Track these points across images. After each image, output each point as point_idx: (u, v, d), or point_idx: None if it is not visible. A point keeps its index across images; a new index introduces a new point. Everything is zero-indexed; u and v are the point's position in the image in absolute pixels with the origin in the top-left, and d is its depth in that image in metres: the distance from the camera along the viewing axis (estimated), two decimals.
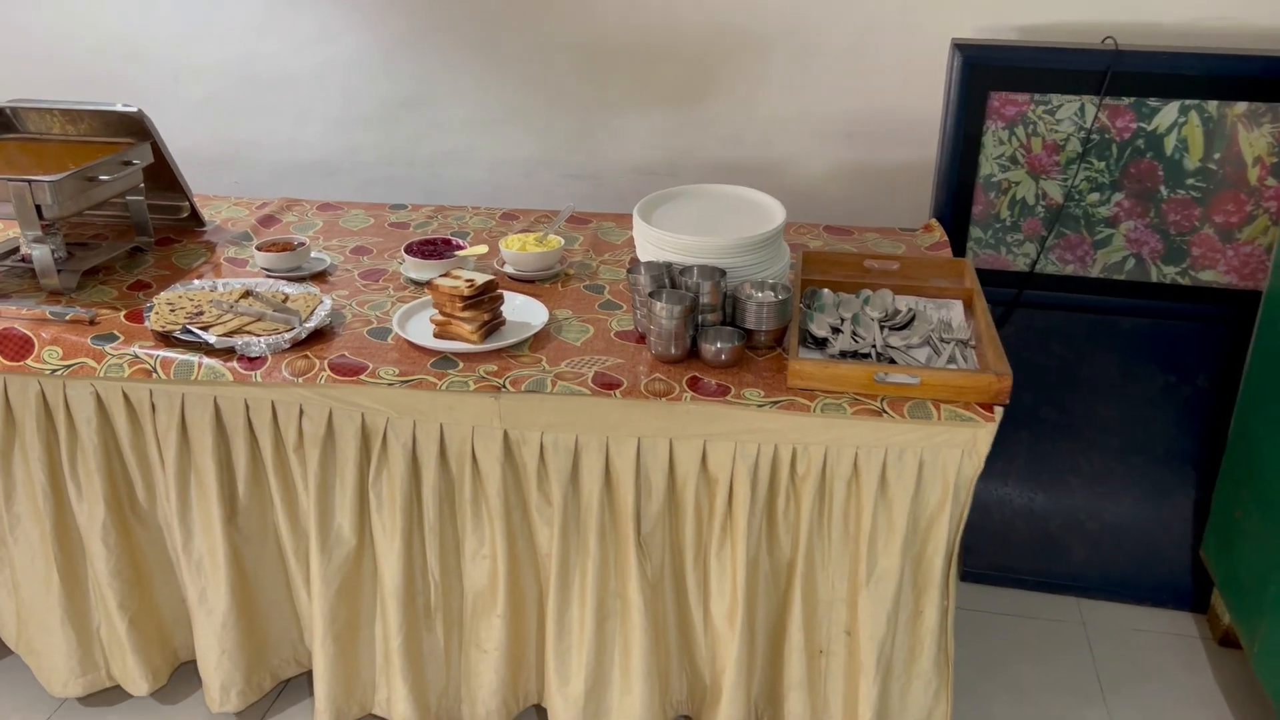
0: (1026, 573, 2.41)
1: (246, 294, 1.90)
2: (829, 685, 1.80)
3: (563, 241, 2.08)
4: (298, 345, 1.77)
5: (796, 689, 1.80)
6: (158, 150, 2.13)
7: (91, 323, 1.84)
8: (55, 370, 1.77)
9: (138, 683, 2.01)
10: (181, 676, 2.11)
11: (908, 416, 1.58)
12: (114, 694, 2.11)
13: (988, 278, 2.25)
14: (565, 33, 2.52)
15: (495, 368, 1.70)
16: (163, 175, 2.19)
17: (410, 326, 1.81)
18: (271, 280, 1.98)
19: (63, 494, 1.89)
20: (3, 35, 2.79)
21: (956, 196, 2.26)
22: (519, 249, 2.02)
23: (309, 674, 2.05)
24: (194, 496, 1.85)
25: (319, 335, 1.80)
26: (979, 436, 1.58)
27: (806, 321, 1.78)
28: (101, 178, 1.97)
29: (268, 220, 2.36)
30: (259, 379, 1.71)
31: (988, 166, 2.23)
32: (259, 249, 2.06)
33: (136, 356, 1.76)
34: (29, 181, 1.85)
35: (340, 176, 2.79)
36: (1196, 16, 2.19)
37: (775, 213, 1.93)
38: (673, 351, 1.69)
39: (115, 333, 1.81)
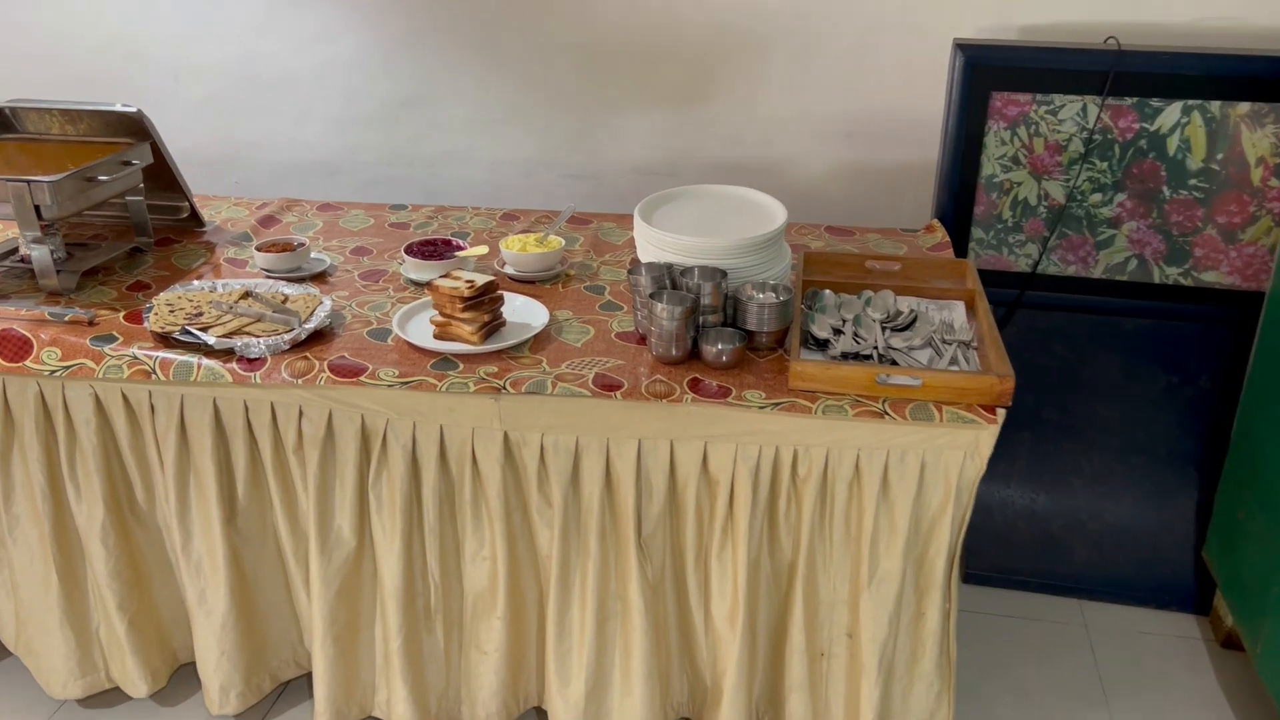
0: (1028, 574, 2.41)
1: (246, 295, 1.90)
2: (830, 687, 1.79)
3: (563, 242, 2.07)
4: (297, 346, 1.76)
5: (798, 691, 1.79)
6: (157, 150, 2.12)
7: (90, 323, 1.84)
8: (54, 371, 1.77)
9: (137, 684, 2.00)
10: (181, 678, 2.11)
11: (909, 418, 1.57)
12: (113, 695, 2.10)
13: (989, 278, 2.25)
14: (565, 33, 2.51)
15: (495, 369, 1.69)
16: (162, 175, 2.19)
17: (410, 328, 1.80)
18: (271, 281, 1.97)
19: (61, 495, 1.89)
20: (2, 35, 2.79)
21: (958, 197, 2.25)
22: (519, 250, 2.02)
23: (309, 676, 2.04)
24: (193, 498, 1.84)
25: (319, 336, 1.80)
26: (981, 438, 1.58)
27: (808, 323, 1.78)
28: (101, 178, 1.97)
29: (267, 221, 2.35)
30: (258, 380, 1.71)
31: (989, 167, 2.22)
32: (259, 249, 2.06)
33: (135, 358, 1.75)
34: (28, 182, 1.85)
35: (340, 176, 2.79)
36: (1199, 16, 2.18)
37: (776, 213, 1.92)
38: (674, 353, 1.69)
39: (114, 334, 1.80)
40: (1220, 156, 2.12)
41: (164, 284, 2.01)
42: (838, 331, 1.75)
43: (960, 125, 2.19)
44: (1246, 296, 2.20)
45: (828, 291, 1.89)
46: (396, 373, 1.69)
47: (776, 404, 1.61)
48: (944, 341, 1.73)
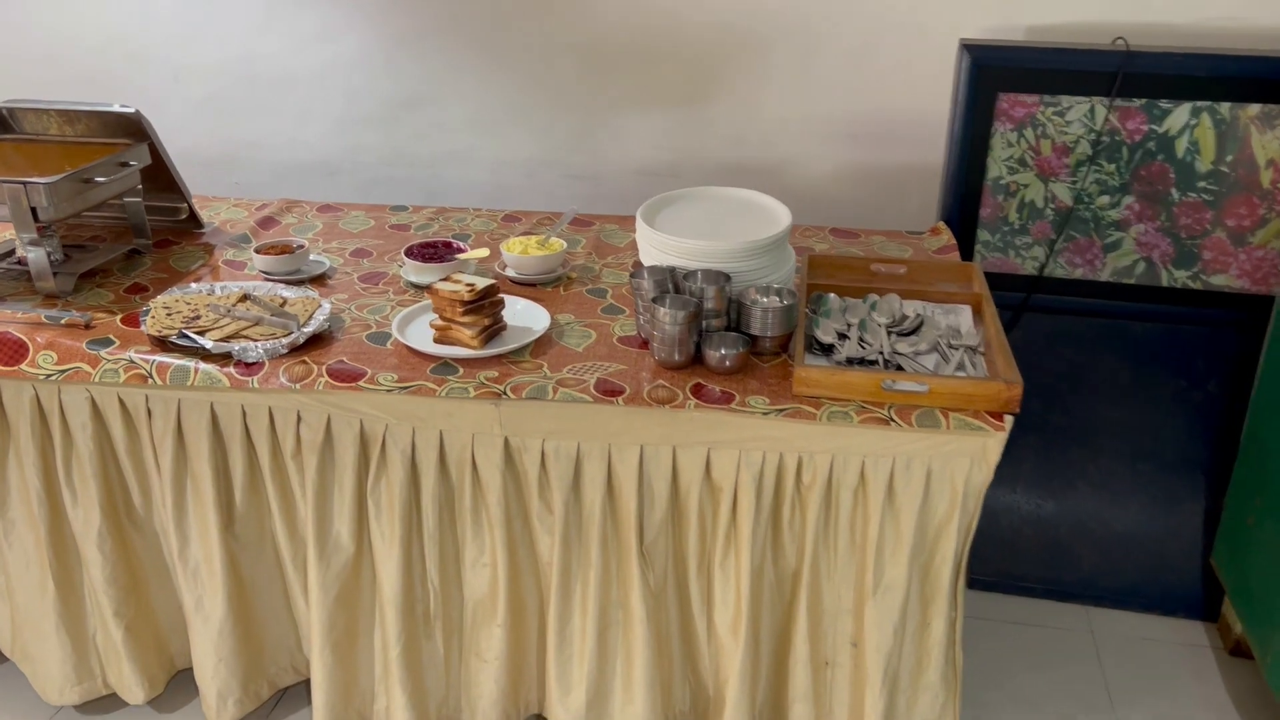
0: (1034, 580, 2.38)
1: (244, 298, 1.88)
2: (834, 697, 1.77)
3: (565, 245, 2.05)
4: (295, 350, 1.74)
5: (801, 701, 1.77)
6: (155, 151, 2.11)
7: (87, 326, 1.82)
8: (50, 375, 1.75)
9: (134, 691, 1.99)
10: (178, 685, 2.09)
11: (916, 425, 1.55)
12: (110, 702, 2.08)
13: (996, 281, 2.23)
14: (567, 33, 2.49)
15: (496, 374, 1.67)
16: (161, 176, 2.17)
17: (410, 331, 1.78)
18: (270, 284, 1.95)
19: (58, 500, 1.87)
20: (2, 35, 2.77)
21: (964, 199, 2.23)
22: (521, 252, 2.00)
23: (307, 682, 2.02)
24: (190, 503, 1.82)
25: (317, 340, 1.78)
26: (988, 445, 1.55)
27: (812, 327, 1.75)
28: (98, 179, 1.95)
29: (267, 222, 2.33)
30: (256, 385, 1.69)
31: (996, 169, 2.20)
32: (257, 251, 2.04)
33: (132, 362, 1.73)
34: (24, 183, 1.83)
35: (341, 177, 2.77)
36: (1209, 17, 2.16)
37: (781, 216, 1.90)
38: (676, 358, 1.67)
39: (111, 337, 1.78)
40: (1230, 159, 2.09)
41: (162, 286, 2.00)
42: (843, 336, 1.73)
43: (966, 126, 2.17)
44: (1256, 300, 2.18)
45: (832, 295, 1.87)
46: (396, 377, 1.67)
47: (781, 410, 1.59)
48: (950, 346, 1.71)
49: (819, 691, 1.77)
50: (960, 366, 1.66)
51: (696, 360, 1.69)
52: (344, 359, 1.72)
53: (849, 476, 1.61)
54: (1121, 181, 2.16)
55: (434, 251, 2.03)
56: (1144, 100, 2.09)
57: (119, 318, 1.86)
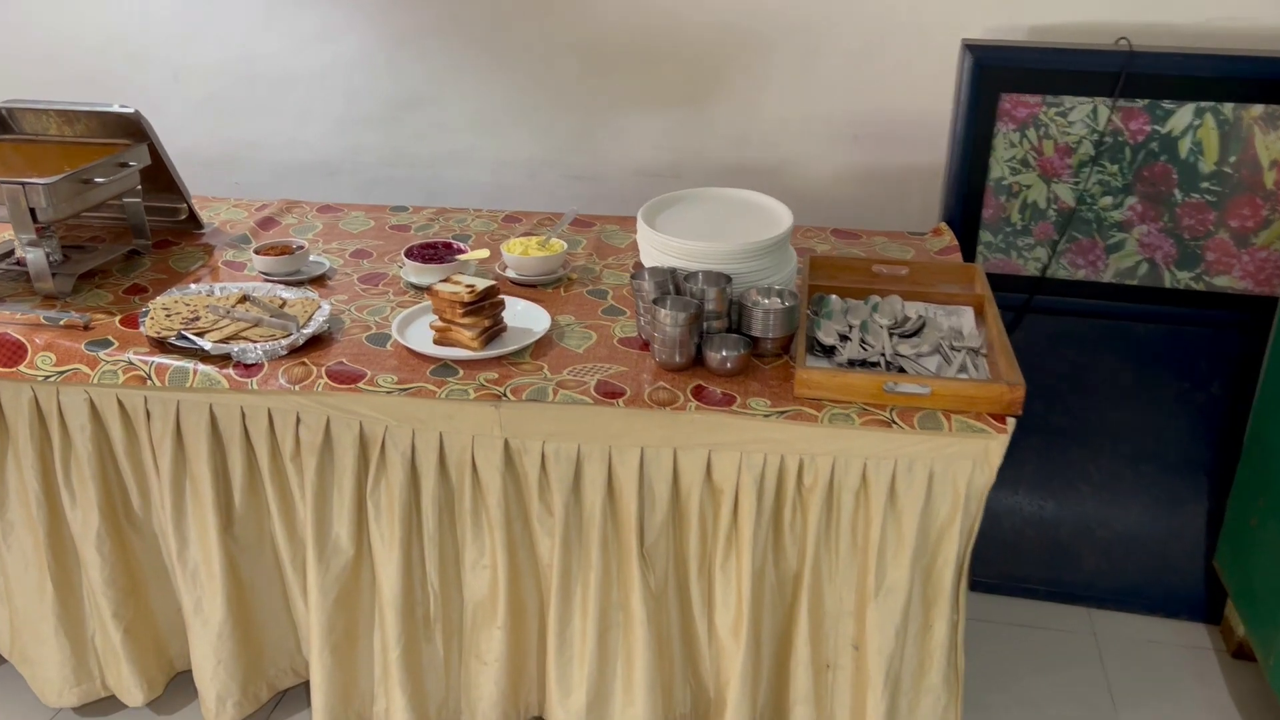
0: (1036, 582, 2.38)
1: (244, 299, 1.87)
2: (836, 700, 1.76)
3: (565, 245, 2.04)
4: (295, 352, 1.74)
5: (803, 703, 1.76)
6: (155, 152, 2.10)
7: (86, 328, 1.81)
8: (48, 377, 1.74)
9: (133, 693, 1.98)
10: (177, 687, 2.08)
11: (918, 427, 1.54)
12: (109, 704, 2.08)
13: (998, 282, 2.21)
14: (569, 32, 2.48)
15: (496, 375, 1.66)
16: (160, 177, 2.16)
17: (410, 333, 1.78)
18: (269, 285, 1.95)
19: (56, 501, 1.86)
20: (2, 35, 2.76)
21: (966, 200, 2.22)
22: (521, 253, 1.99)
23: (306, 685, 2.01)
24: (189, 505, 1.82)
25: (317, 341, 1.77)
26: (991, 448, 1.55)
27: (814, 329, 1.75)
28: (97, 180, 1.94)
29: (267, 222, 2.32)
30: (255, 386, 1.68)
31: (998, 169, 2.19)
32: (257, 252, 2.03)
33: (131, 363, 1.73)
34: (23, 184, 1.82)
35: (341, 177, 2.76)
36: (1213, 16, 2.15)
37: (782, 217, 1.89)
38: (677, 359, 1.66)
39: (110, 338, 1.78)
40: (1233, 159, 2.08)
41: (161, 287, 1.99)
42: (844, 338, 1.72)
43: (969, 127, 2.16)
44: (1259, 301, 2.17)
45: (834, 296, 1.86)
46: (395, 379, 1.66)
47: (782, 412, 1.58)
48: (953, 348, 1.70)
49: (820, 694, 1.76)
50: (962, 368, 1.65)
51: (697, 362, 1.69)
52: (343, 360, 1.71)
53: (851, 479, 1.60)
54: (1124, 182, 2.15)
55: (434, 252, 2.03)
56: (1147, 101, 2.08)
57: (118, 319, 1.85)
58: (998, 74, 2.12)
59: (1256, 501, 2.06)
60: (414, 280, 1.98)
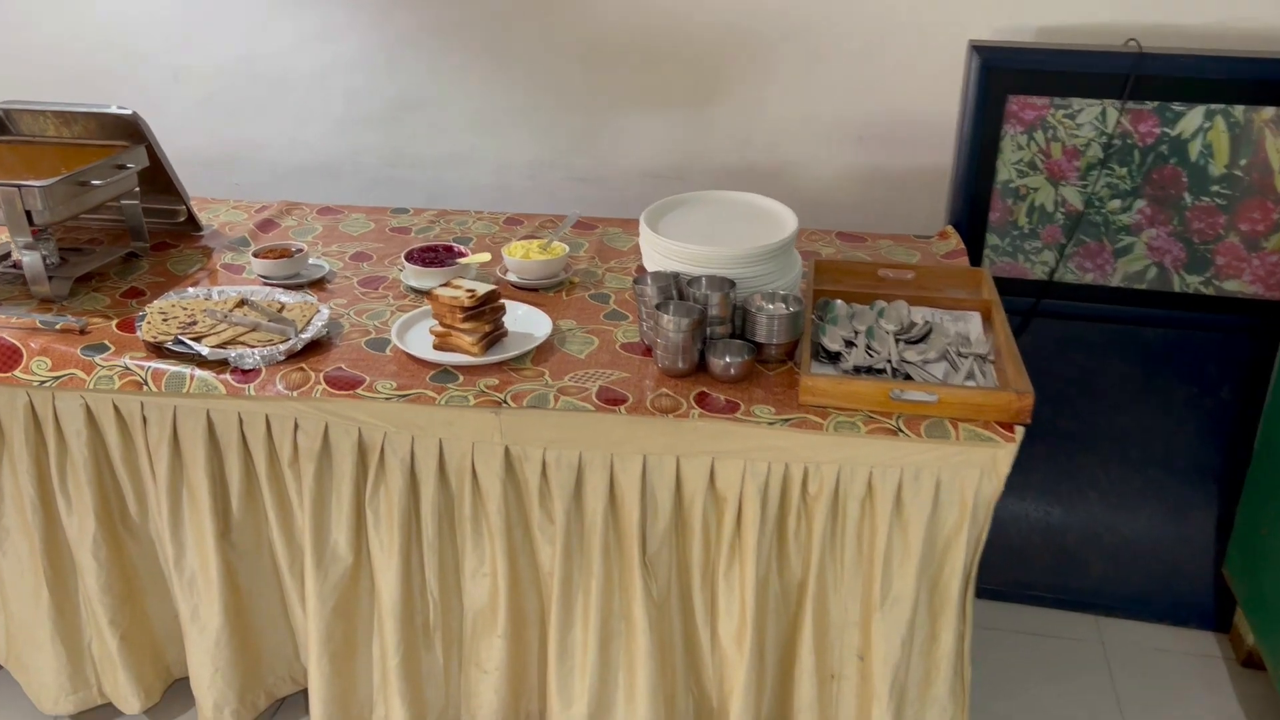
0: (1043, 589, 2.35)
1: (241, 303, 1.85)
2: (840, 711, 1.74)
3: (567, 249, 2.02)
4: (293, 357, 1.71)
5: (806, 714, 1.74)
6: (153, 153, 2.08)
7: (82, 332, 1.79)
8: (44, 382, 1.72)
9: (130, 700, 1.96)
10: (174, 694, 2.06)
11: (924, 436, 1.52)
12: (106, 712, 2.06)
13: (1005, 286, 2.17)
14: (571, 33, 2.46)
15: (496, 381, 1.64)
16: (159, 178, 2.14)
17: (409, 338, 1.75)
18: (268, 288, 1.92)
19: (52, 507, 1.85)
20: (1, 35, 2.75)
21: (973, 203, 2.20)
22: (522, 256, 1.97)
23: (305, 692, 1.99)
24: (186, 511, 1.80)
25: (315, 346, 1.75)
26: (999, 457, 1.52)
27: (819, 334, 1.72)
28: (94, 182, 1.92)
29: (266, 225, 2.30)
30: (252, 392, 1.66)
31: (1005, 172, 2.17)
32: (256, 255, 2.01)
33: (127, 368, 1.71)
34: (18, 186, 1.80)
35: (342, 178, 2.74)
36: (1223, 18, 2.12)
37: (787, 221, 1.87)
38: (680, 365, 1.64)
39: (106, 343, 1.76)
40: (1244, 162, 2.06)
41: (159, 290, 1.97)
42: (849, 343, 1.69)
43: (975, 129, 2.14)
44: (1269, 306, 2.14)
45: (839, 302, 1.83)
46: (395, 385, 1.64)
47: (786, 420, 1.55)
48: (960, 355, 1.67)
49: (825, 704, 1.74)
50: (970, 375, 1.63)
51: (700, 368, 1.66)
52: (342, 366, 1.69)
53: (856, 487, 1.58)
54: (1133, 185, 2.12)
55: (434, 255, 2.01)
56: (1156, 103, 2.05)
57: (114, 323, 1.83)
58: (1005, 75, 2.09)
59: (1267, 509, 2.04)
60: (414, 284, 1.96)
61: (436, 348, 1.71)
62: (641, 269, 1.93)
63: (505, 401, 1.61)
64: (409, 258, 1.99)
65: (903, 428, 1.53)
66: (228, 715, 1.92)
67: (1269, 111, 2.01)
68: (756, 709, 1.73)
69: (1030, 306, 2.24)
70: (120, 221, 2.17)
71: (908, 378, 1.62)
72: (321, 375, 1.66)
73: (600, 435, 1.60)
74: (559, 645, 1.74)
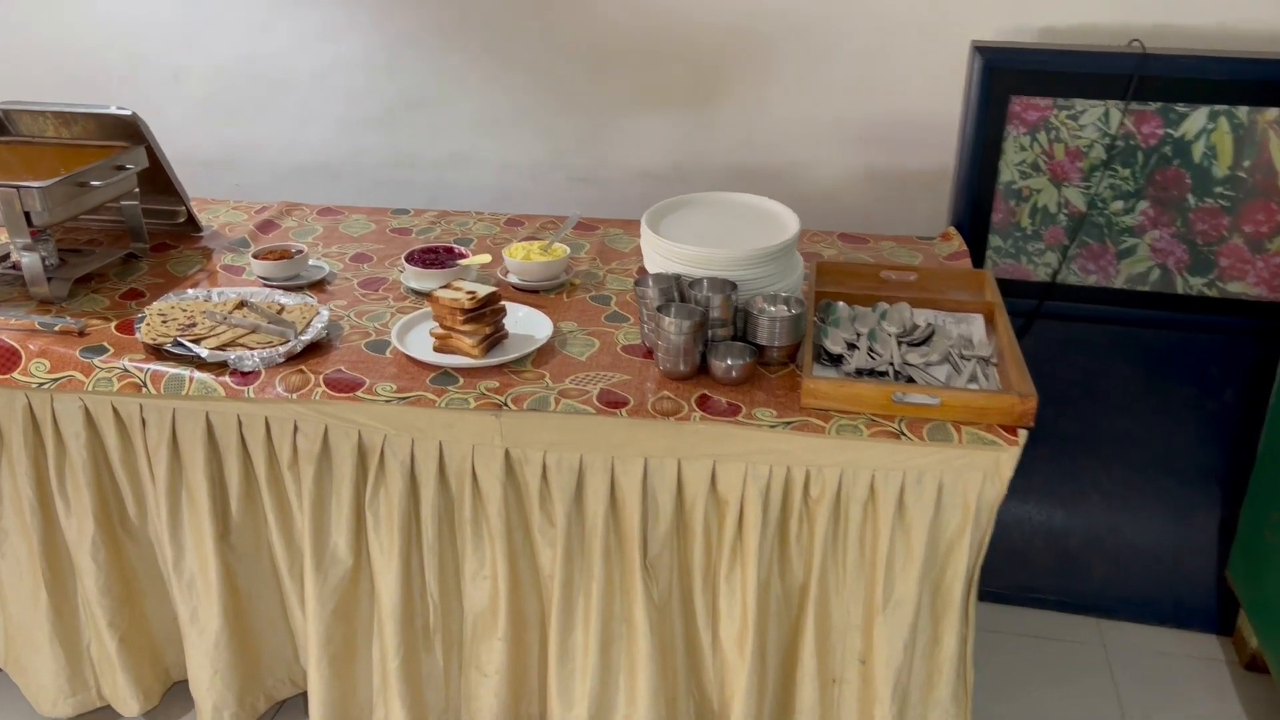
0: (1045, 592, 2.34)
1: (241, 304, 1.84)
2: (842, 714, 1.73)
3: (568, 250, 2.01)
4: (293, 359, 1.71)
5: (808, 717, 1.73)
6: (153, 154, 2.07)
7: (81, 334, 1.79)
8: (42, 384, 1.71)
9: (129, 703, 1.96)
10: (174, 697, 2.06)
11: (927, 439, 1.51)
12: (105, 714, 2.05)
13: (1007, 287, 2.17)
14: (573, 33, 2.45)
15: (496, 384, 1.63)
16: (159, 179, 2.14)
17: (409, 340, 1.75)
18: (267, 290, 1.92)
19: (51, 509, 1.84)
20: (1, 35, 2.74)
21: (976, 204, 2.19)
22: (523, 258, 1.96)
23: (304, 695, 1.99)
24: (185, 513, 1.79)
25: (315, 348, 1.74)
26: (1001, 460, 1.51)
27: (821, 337, 1.71)
28: (93, 183, 1.92)
29: (266, 225, 2.30)
30: (252, 394, 1.65)
31: (1008, 173, 2.16)
32: (256, 257, 2.00)
33: (126, 370, 1.70)
34: (17, 187, 1.79)
35: (343, 179, 2.74)
36: (1227, 18, 2.11)
37: (789, 223, 1.86)
38: (681, 368, 1.63)
39: (105, 345, 1.75)
40: (1247, 164, 2.05)
41: (159, 291, 1.96)
42: (852, 346, 1.69)
43: (978, 130, 2.13)
44: (1273, 308, 2.13)
45: (841, 304, 1.82)
46: (394, 387, 1.63)
47: (788, 423, 1.55)
48: (962, 357, 1.67)
49: (826, 708, 1.73)
50: (972, 378, 1.62)
51: (702, 371, 1.65)
52: (342, 368, 1.68)
53: (858, 490, 1.57)
54: (1136, 186, 2.11)
55: (435, 257, 2.00)
56: (1160, 104, 2.04)
57: (114, 324, 1.82)
58: (1008, 76, 2.08)
59: (1270, 512, 2.03)
60: (414, 285, 1.95)
61: (437, 350, 1.71)
62: (643, 271, 1.92)
63: (506, 404, 1.60)
64: (409, 259, 1.98)
65: (905, 431, 1.52)
66: (227, 718, 1.92)
67: (1273, 113, 2.00)
68: (758, 712, 1.73)
69: (1033, 308, 2.24)
70: (120, 222, 2.16)
71: (910, 380, 1.61)
72: (321, 377, 1.66)
73: (601, 438, 1.60)
74: (559, 648, 1.74)
